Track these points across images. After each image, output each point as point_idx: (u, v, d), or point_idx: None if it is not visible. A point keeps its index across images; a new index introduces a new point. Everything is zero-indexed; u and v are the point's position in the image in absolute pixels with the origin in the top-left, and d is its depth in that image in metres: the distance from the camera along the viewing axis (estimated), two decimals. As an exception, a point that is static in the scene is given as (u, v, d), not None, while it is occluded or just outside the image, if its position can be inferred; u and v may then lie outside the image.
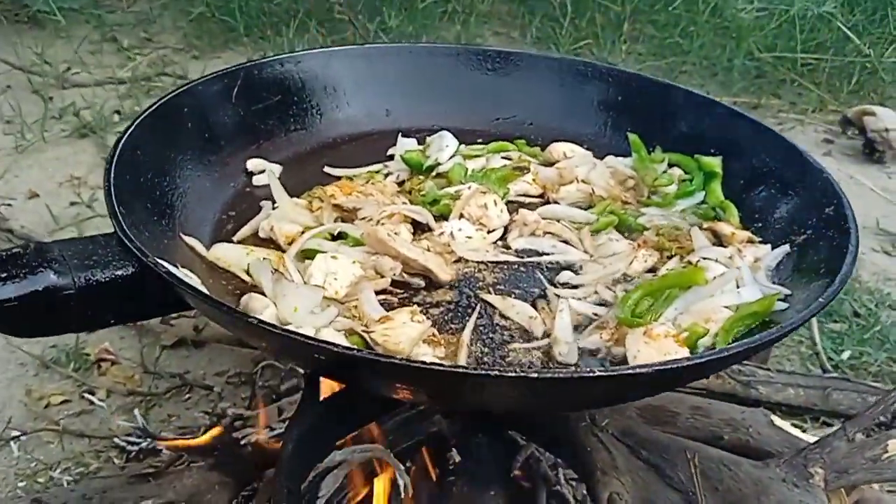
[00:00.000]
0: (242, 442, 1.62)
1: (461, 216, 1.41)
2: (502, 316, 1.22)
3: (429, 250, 1.32)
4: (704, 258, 1.30)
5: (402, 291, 1.26)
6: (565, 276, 1.31)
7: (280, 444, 1.38)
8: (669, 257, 1.34)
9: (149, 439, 1.74)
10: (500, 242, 1.40)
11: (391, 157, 1.64)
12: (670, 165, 1.59)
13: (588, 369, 0.88)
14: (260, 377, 1.95)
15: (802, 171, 1.40)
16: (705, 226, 1.42)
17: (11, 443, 1.79)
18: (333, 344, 0.88)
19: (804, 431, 1.82)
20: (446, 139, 1.60)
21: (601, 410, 1.49)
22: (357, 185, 1.42)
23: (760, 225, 1.42)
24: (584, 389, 0.90)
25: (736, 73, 3.56)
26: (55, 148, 2.97)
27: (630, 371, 0.87)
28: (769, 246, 1.34)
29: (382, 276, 1.24)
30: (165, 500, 1.42)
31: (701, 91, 1.78)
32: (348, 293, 1.20)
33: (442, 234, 1.37)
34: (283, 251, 1.30)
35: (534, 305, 1.25)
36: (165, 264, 1.04)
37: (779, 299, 1.18)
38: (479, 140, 1.72)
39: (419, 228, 1.40)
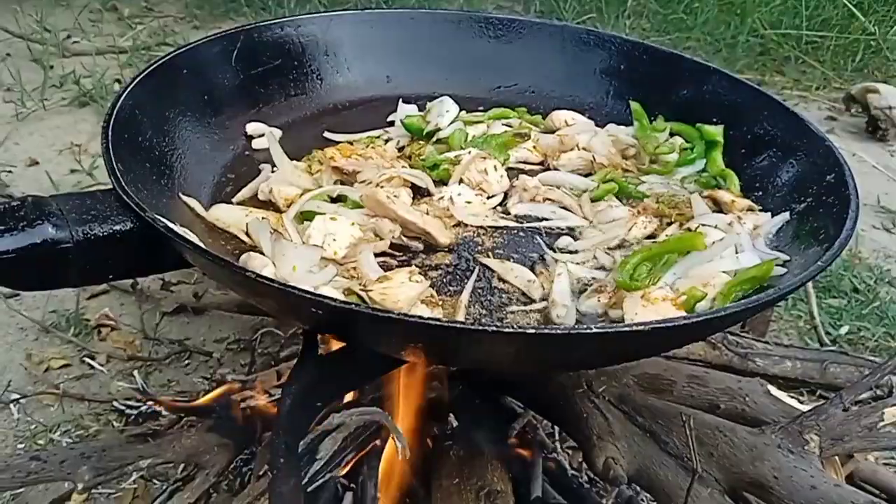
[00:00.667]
0: (242, 405, 1.63)
1: (461, 181, 1.40)
2: (501, 279, 1.22)
3: (428, 214, 1.31)
4: (704, 224, 1.29)
5: (400, 254, 1.25)
6: (564, 241, 1.31)
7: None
8: (669, 224, 1.34)
9: (149, 403, 1.74)
10: (499, 208, 1.40)
11: (392, 124, 1.64)
12: (672, 134, 1.58)
13: (585, 326, 0.87)
14: (259, 344, 1.95)
15: (804, 139, 1.39)
16: (705, 194, 1.42)
17: (11, 405, 1.79)
18: (330, 298, 0.88)
19: (801, 405, 1.83)
20: (447, 104, 1.59)
21: (598, 377, 1.50)
22: (357, 149, 1.41)
23: (761, 193, 1.42)
24: (580, 347, 0.90)
25: (740, 50, 3.54)
26: (55, 116, 2.96)
27: (625, 329, 0.87)
28: (769, 214, 1.34)
29: (381, 239, 1.24)
30: (164, 459, 1.43)
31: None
32: (347, 254, 1.20)
33: (441, 198, 1.36)
34: (283, 213, 1.30)
35: (532, 270, 1.25)
36: (164, 220, 1.04)
37: (777, 265, 1.18)
38: (480, 108, 1.71)
39: (419, 193, 1.40)
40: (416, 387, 1.48)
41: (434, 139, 1.54)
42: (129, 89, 1.32)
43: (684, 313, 1.10)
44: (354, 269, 1.17)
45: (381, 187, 1.32)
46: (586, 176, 1.49)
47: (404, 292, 1.06)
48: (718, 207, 1.40)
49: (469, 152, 1.44)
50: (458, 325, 0.87)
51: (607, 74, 1.72)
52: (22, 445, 1.70)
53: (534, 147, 1.55)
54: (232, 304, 2.02)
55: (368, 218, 1.27)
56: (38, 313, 2.03)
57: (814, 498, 1.18)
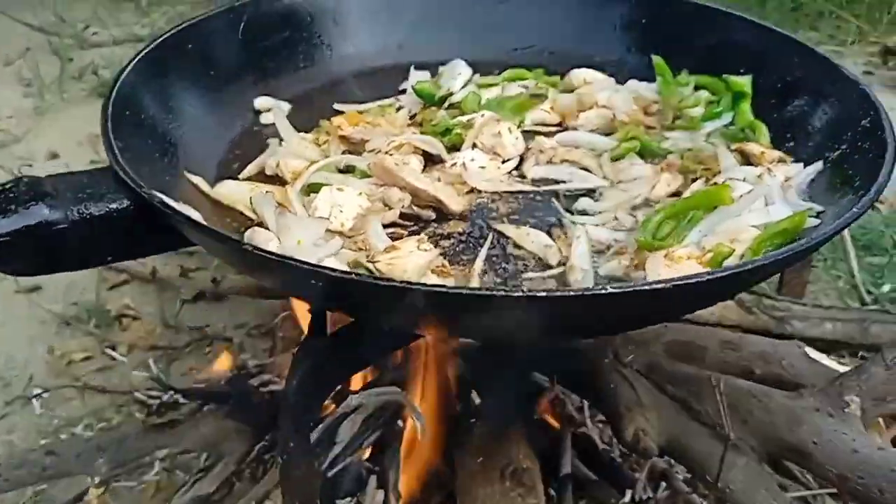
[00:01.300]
0: (261, 390, 1.60)
1: (474, 146, 1.35)
2: (516, 245, 1.16)
3: (440, 181, 1.26)
4: (731, 178, 1.22)
5: (411, 224, 1.20)
6: (583, 202, 1.25)
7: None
8: (694, 180, 1.27)
9: (170, 392, 1.73)
10: (515, 172, 1.34)
11: (404, 92, 1.58)
12: (696, 88, 1.50)
13: (599, 286, 0.81)
14: (280, 328, 1.92)
15: (837, 83, 1.30)
16: (734, 147, 1.34)
17: (34, 400, 1.79)
18: (328, 268, 0.84)
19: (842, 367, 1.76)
20: (459, 67, 1.53)
21: (625, 346, 1.44)
22: (365, 118, 1.36)
23: (792, 143, 1.34)
24: (596, 310, 0.85)
25: (770, 7, 3.41)
26: (74, 108, 2.96)
27: (640, 288, 0.81)
28: (801, 164, 1.26)
29: (390, 209, 1.19)
30: (182, 448, 1.41)
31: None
32: (355, 226, 1.16)
33: (454, 164, 1.31)
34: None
35: (549, 234, 1.19)
36: (163, 197, 1.00)
37: (811, 216, 1.11)
38: (496, 72, 1.65)
39: (430, 160, 1.34)
40: (436, 365, 1.44)
41: (447, 104, 1.49)
42: (130, 66, 1.28)
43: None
44: (363, 241, 1.12)
45: (391, 155, 1.27)
46: (607, 135, 1.42)
47: (413, 262, 1.01)
48: (747, 160, 1.32)
49: (482, 115, 1.38)
50: (462, 291, 0.82)
51: (627, 29, 1.64)
52: (44, 441, 1.69)
53: (551, 108, 1.49)
54: (252, 289, 2.00)
55: (377, 187, 1.22)
56: (58, 306, 2.03)
57: (856, 463, 1.11)
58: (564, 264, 1.12)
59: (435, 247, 1.14)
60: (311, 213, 1.17)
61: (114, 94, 1.20)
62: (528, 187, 1.29)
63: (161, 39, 1.39)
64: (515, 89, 1.53)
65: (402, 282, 0.84)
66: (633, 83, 1.52)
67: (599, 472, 1.54)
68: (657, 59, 1.53)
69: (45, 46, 3.33)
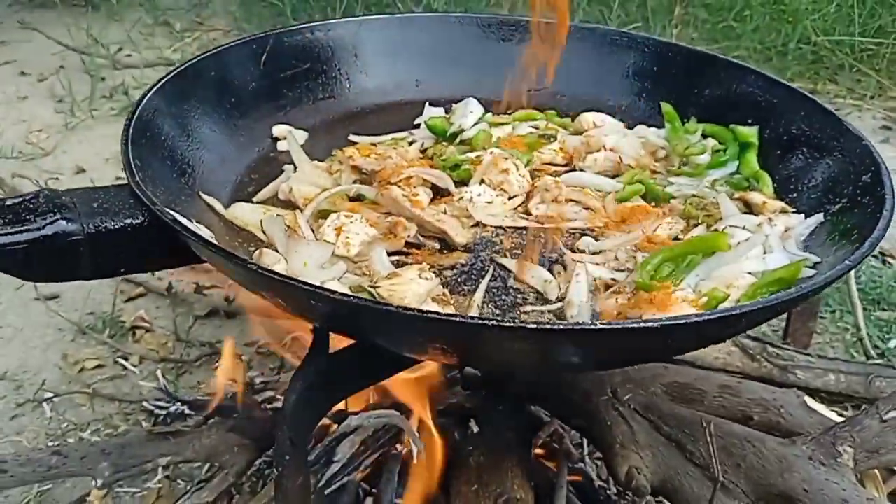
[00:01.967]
0: (265, 406, 1.63)
1: (482, 181, 1.38)
2: (517, 279, 1.20)
3: (446, 213, 1.29)
4: (731, 226, 1.25)
5: (416, 251, 1.24)
6: (585, 241, 1.27)
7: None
8: (695, 225, 1.30)
9: (177, 403, 1.76)
10: (520, 208, 1.37)
11: (418, 127, 1.63)
12: (704, 136, 1.53)
13: (589, 322, 0.84)
14: (289, 349, 1.95)
15: (840, 137, 1.33)
16: (736, 195, 1.37)
17: (44, 404, 1.83)
18: (328, 290, 0.87)
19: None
20: (471, 105, 1.58)
21: (624, 384, 1.45)
22: (377, 149, 1.40)
23: (795, 195, 1.36)
24: (587, 344, 0.87)
25: (791, 58, 3.44)
26: (104, 126, 3.04)
27: (630, 325, 0.83)
28: (802, 216, 1.28)
29: (396, 236, 1.23)
30: (183, 458, 1.43)
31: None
32: (360, 252, 1.19)
33: (461, 198, 1.34)
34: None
35: (551, 270, 1.21)
36: (175, 215, 1.05)
37: (807, 266, 1.13)
38: (509, 112, 1.69)
39: (438, 193, 1.38)
40: (437, 391, 1.46)
41: (458, 140, 1.53)
42: (154, 89, 1.34)
43: (704, 314, 1.06)
44: (367, 266, 1.16)
45: (400, 186, 1.30)
46: (613, 178, 1.45)
47: (413, 289, 1.04)
48: (749, 209, 1.34)
49: (491, 152, 1.42)
50: (457, 319, 0.84)
51: (638, 76, 1.68)
52: (52, 444, 1.73)
53: (560, 148, 1.52)
54: (263, 308, 2.03)
55: (384, 216, 1.26)
56: (75, 315, 2.07)
57: (846, 513, 1.11)
58: (563, 299, 1.15)
59: (437, 276, 1.17)
60: (319, 238, 1.20)
61: (135, 116, 1.25)
62: (532, 223, 1.32)
63: (184, 67, 1.45)
64: (526, 129, 1.56)
65: (388, 305, 0.87)
66: (641, 128, 1.55)
67: (594, 509, 1.55)
68: (666, 107, 1.57)
69: (78, 65, 3.43)
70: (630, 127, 1.59)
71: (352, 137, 1.58)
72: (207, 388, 1.86)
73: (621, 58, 1.71)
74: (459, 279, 1.19)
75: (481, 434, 1.53)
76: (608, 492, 1.62)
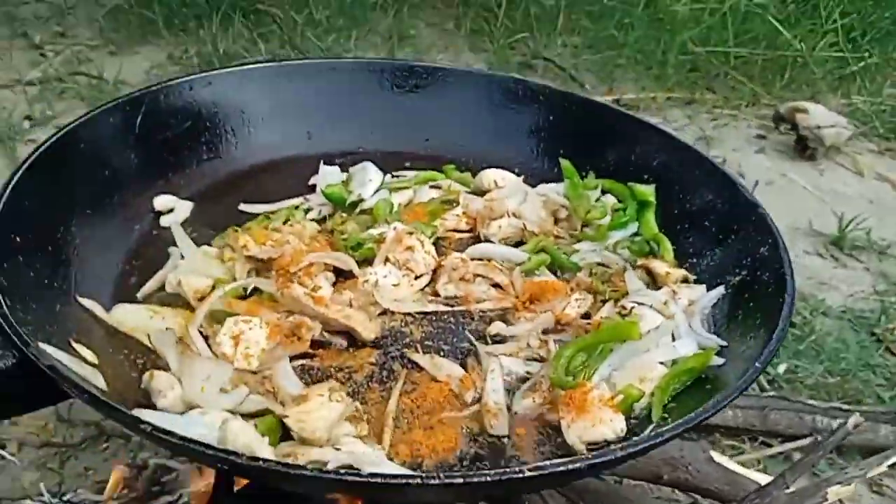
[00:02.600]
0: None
1: (386, 260, 1.32)
2: (431, 378, 1.15)
3: (351, 305, 1.23)
4: (639, 303, 1.25)
5: (322, 353, 1.17)
6: (496, 327, 1.24)
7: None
8: (603, 301, 1.29)
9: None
10: (428, 289, 1.32)
11: (313, 187, 1.55)
12: (603, 192, 1.53)
13: (479, 472, 0.79)
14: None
15: (736, 204, 1.35)
16: (639, 263, 1.37)
17: None
18: (236, 454, 0.80)
19: (743, 453, 1.82)
20: (370, 172, 1.51)
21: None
22: (272, 234, 1.31)
23: (694, 260, 1.38)
24: (511, 486, 0.84)
25: (670, 68, 3.53)
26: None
27: (525, 475, 0.80)
28: (704, 287, 1.29)
29: (300, 339, 1.15)
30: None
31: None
32: (262, 361, 1.11)
33: (366, 281, 1.28)
34: (193, 309, 1.20)
35: (464, 364, 1.18)
36: (53, 351, 0.93)
37: (715, 353, 1.14)
38: (407, 164, 1.63)
39: (342, 274, 1.31)
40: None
41: (357, 210, 1.46)
42: (13, 181, 1.20)
43: (621, 417, 1.06)
44: (271, 381, 1.08)
45: (299, 277, 1.23)
46: (518, 244, 1.43)
47: (323, 417, 0.97)
48: (653, 278, 1.35)
49: (394, 228, 1.36)
50: (360, 479, 0.79)
51: (536, 128, 1.66)
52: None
53: (463, 213, 1.48)
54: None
55: (286, 315, 1.18)
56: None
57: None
58: (479, 400, 1.11)
59: (348, 381, 1.12)
60: (215, 347, 1.12)
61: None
62: (441, 307, 1.28)
63: (49, 143, 1.31)
64: (427, 193, 1.51)
65: (294, 468, 0.81)
66: (542, 187, 1.53)
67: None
68: (565, 163, 1.56)
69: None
70: (529, 180, 1.56)
71: (242, 207, 1.48)
72: (96, 475, 1.72)
73: (519, 108, 1.68)
74: (371, 383, 1.13)
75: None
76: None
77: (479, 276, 1.34)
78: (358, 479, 0.79)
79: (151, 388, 1.03)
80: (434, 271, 1.35)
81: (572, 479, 0.97)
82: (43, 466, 1.72)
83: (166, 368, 1.08)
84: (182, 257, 1.31)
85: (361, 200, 1.47)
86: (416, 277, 1.32)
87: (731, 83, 3.57)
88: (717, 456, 1.48)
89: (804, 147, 3.05)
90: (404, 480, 0.81)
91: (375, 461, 0.93)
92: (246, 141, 1.63)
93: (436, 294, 1.31)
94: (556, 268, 1.38)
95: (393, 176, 1.57)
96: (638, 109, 3.29)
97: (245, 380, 1.07)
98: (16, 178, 1.21)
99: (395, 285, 1.29)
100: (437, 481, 0.78)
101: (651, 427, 1.03)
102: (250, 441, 0.90)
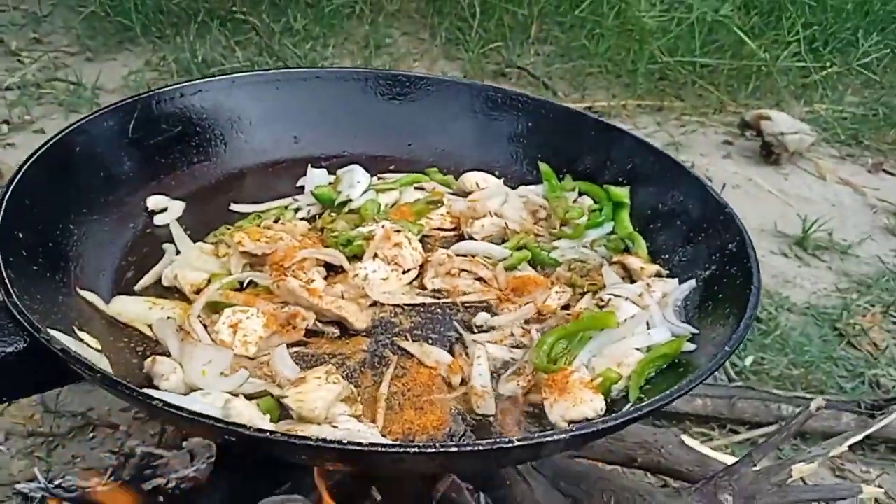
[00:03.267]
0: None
1: (375, 256, 1.38)
2: (420, 363, 1.21)
3: (343, 297, 1.29)
4: (616, 295, 1.32)
5: (316, 341, 1.23)
6: (482, 317, 1.31)
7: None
8: (582, 294, 1.36)
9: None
10: (415, 283, 1.39)
11: (301, 188, 1.60)
12: (580, 194, 1.61)
13: (471, 442, 0.87)
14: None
15: (705, 204, 1.43)
16: (615, 259, 1.45)
17: None
18: (245, 426, 0.85)
19: (712, 440, 1.90)
20: (357, 174, 1.57)
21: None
22: (265, 231, 1.37)
23: (667, 256, 1.45)
24: (497, 458, 0.90)
25: (640, 76, 3.64)
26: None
27: (515, 444, 0.87)
28: (676, 280, 1.37)
29: (295, 328, 1.21)
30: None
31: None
32: (260, 348, 1.17)
33: (356, 276, 1.34)
34: (189, 301, 1.25)
35: (451, 351, 1.24)
36: (60, 336, 0.98)
37: (687, 340, 1.21)
38: (392, 167, 1.70)
39: (332, 270, 1.37)
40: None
41: (346, 209, 1.52)
42: (15, 182, 1.24)
43: (601, 397, 1.13)
44: (268, 365, 1.14)
45: (293, 272, 1.28)
46: (500, 242, 1.50)
47: (321, 397, 1.03)
48: (628, 273, 1.43)
49: (382, 226, 1.42)
50: (358, 448, 0.85)
51: (516, 134, 1.73)
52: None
53: (447, 212, 1.55)
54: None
55: (281, 306, 1.24)
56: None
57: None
58: (466, 383, 1.18)
59: (341, 367, 1.17)
60: (214, 335, 1.17)
61: (1, 216, 1.16)
62: (428, 299, 1.35)
63: (47, 145, 1.35)
64: (412, 194, 1.58)
65: (315, 438, 0.87)
66: (522, 189, 1.61)
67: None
68: (543, 166, 1.63)
69: None
70: (510, 182, 1.63)
71: (233, 207, 1.53)
72: (84, 462, 1.76)
73: (498, 115, 1.75)
74: (363, 368, 1.19)
75: (383, 499, 1.54)
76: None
77: (464, 270, 1.41)
78: (361, 448, 0.84)
79: (154, 372, 1.08)
80: (421, 266, 1.41)
81: (557, 451, 1.03)
82: (30, 455, 1.75)
83: (166, 355, 1.13)
84: (178, 253, 1.36)
85: (349, 201, 1.52)
86: (405, 272, 1.38)
87: (698, 91, 3.69)
88: (687, 440, 1.56)
89: (769, 152, 3.17)
90: (403, 449, 0.87)
91: (371, 438, 0.99)
92: (235, 145, 1.68)
93: (423, 287, 1.38)
94: (536, 264, 1.45)
95: (378, 178, 1.63)
96: (609, 116, 3.38)
97: (243, 365, 1.13)
98: (17, 180, 1.26)
99: (384, 279, 1.35)
100: (433, 450, 0.84)
101: (628, 406, 1.10)
102: (253, 418, 0.96)
